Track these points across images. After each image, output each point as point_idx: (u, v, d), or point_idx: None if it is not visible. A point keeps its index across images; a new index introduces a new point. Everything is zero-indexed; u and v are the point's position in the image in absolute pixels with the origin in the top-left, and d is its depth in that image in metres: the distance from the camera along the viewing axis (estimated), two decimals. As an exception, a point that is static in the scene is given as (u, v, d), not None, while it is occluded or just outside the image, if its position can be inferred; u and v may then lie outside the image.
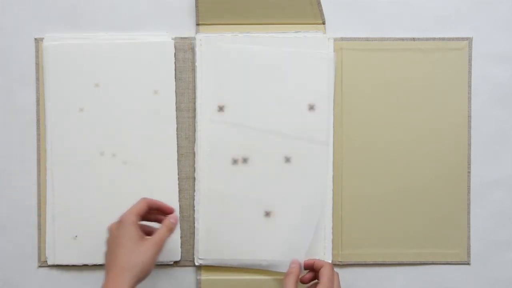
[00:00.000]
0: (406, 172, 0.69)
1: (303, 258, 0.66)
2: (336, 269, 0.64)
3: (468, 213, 0.70)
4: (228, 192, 0.68)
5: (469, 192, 0.70)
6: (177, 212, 0.67)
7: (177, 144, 0.69)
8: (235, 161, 0.68)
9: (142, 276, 0.58)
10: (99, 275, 0.69)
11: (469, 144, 0.70)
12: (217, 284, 0.69)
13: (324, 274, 0.61)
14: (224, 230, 0.68)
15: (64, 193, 0.68)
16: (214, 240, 0.68)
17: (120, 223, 0.60)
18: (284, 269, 0.65)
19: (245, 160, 0.68)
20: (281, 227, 0.68)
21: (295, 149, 0.68)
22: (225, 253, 0.68)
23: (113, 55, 0.68)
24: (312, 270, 0.65)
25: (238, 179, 0.68)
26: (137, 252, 0.57)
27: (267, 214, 0.68)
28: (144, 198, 0.63)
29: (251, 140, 0.68)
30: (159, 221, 0.64)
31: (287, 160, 0.68)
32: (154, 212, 0.64)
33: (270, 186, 0.68)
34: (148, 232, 0.63)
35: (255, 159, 0.68)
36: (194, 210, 0.69)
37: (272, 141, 0.68)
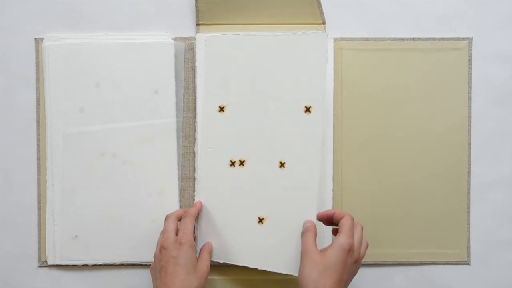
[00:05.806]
0: (406, 172, 0.69)
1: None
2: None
3: (468, 213, 0.70)
4: (225, 194, 0.67)
5: (469, 192, 0.70)
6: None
7: (177, 144, 0.69)
8: (232, 163, 0.67)
9: None
10: (99, 275, 0.69)
11: (469, 144, 0.70)
12: (217, 284, 0.69)
13: (345, 224, 0.59)
14: (220, 233, 0.67)
15: (64, 193, 0.68)
16: (214, 240, 0.68)
17: (181, 244, 0.60)
18: (280, 271, 0.64)
19: (242, 163, 0.67)
20: (274, 233, 0.66)
21: (289, 154, 0.65)
22: (222, 256, 0.67)
23: (113, 55, 0.68)
24: (331, 223, 0.63)
25: (234, 182, 0.67)
26: (195, 275, 0.60)
27: (260, 220, 0.66)
28: (190, 215, 0.64)
29: (249, 142, 0.67)
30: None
31: (282, 165, 0.66)
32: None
33: (264, 191, 0.66)
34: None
35: (251, 162, 0.67)
36: (194, 210, 0.69)
37: (268, 144, 0.66)
